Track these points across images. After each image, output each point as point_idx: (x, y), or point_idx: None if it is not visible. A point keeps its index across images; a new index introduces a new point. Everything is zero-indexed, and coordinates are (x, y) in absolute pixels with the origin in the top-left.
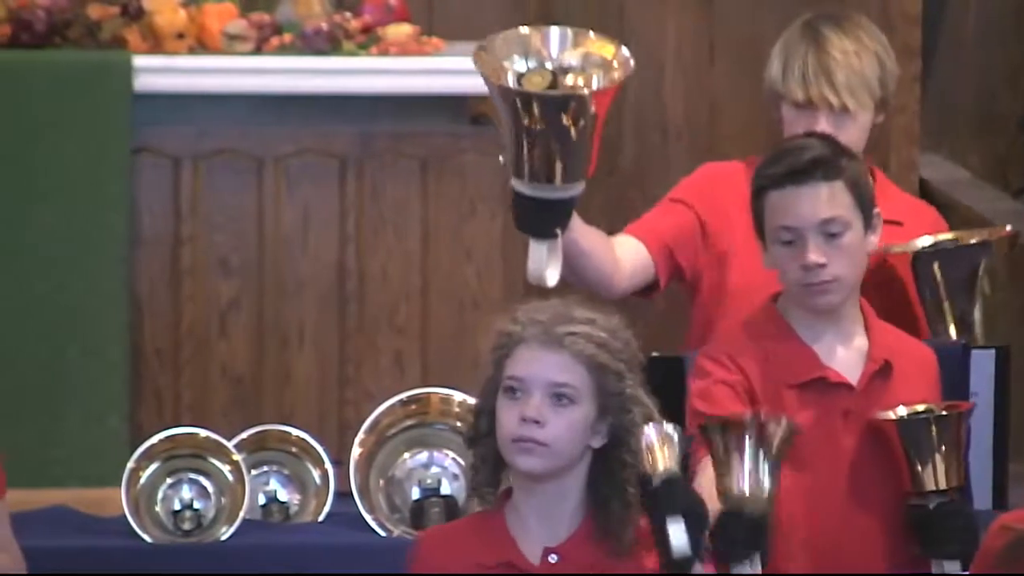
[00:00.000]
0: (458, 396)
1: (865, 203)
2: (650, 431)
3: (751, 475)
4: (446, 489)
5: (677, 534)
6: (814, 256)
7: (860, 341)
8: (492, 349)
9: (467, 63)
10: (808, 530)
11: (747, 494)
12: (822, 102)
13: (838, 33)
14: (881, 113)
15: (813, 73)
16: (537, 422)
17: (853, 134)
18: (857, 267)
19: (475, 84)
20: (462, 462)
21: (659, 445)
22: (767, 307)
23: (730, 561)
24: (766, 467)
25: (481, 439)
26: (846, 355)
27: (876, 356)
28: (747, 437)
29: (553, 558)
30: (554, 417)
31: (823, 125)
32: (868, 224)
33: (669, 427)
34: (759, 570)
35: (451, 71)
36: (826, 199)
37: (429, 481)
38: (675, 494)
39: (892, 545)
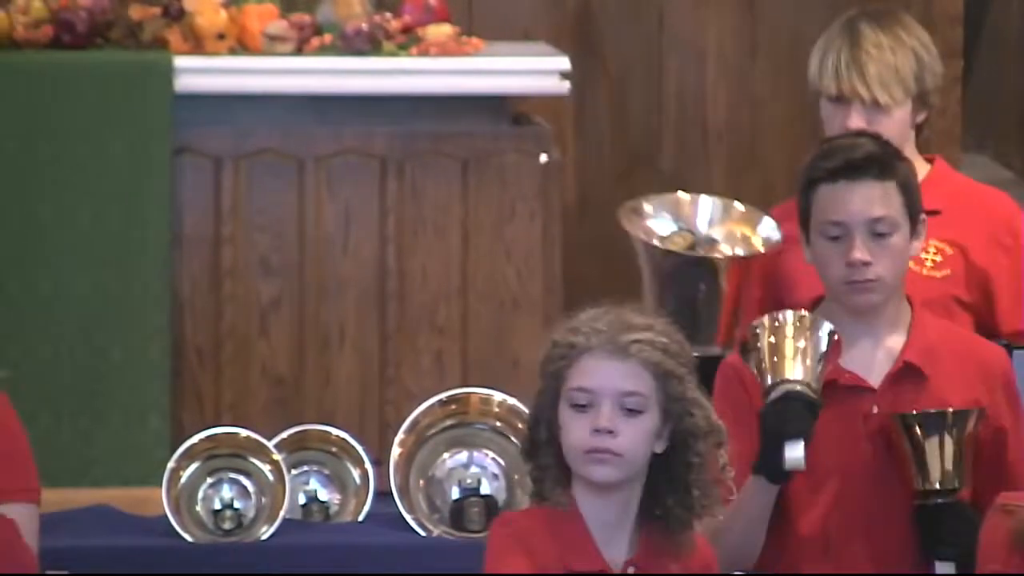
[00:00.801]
0: (498, 396)
1: (914, 207)
2: (787, 320)
3: (802, 361)
4: (486, 489)
5: (796, 450)
6: (860, 254)
7: (895, 342)
8: (549, 359)
9: (507, 63)
10: (832, 531)
11: (798, 378)
12: (854, 95)
13: (875, 29)
14: (921, 111)
15: (845, 66)
16: (610, 432)
17: (888, 129)
18: (900, 269)
19: (515, 84)
20: (502, 462)
21: (800, 348)
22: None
23: (784, 440)
24: (815, 356)
25: (541, 449)
26: (875, 357)
27: (903, 357)
28: (790, 322)
29: (631, 569)
30: (625, 426)
31: (856, 119)
32: (914, 229)
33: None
34: (802, 450)
35: (491, 71)
36: (878, 198)
37: (469, 481)
38: (799, 409)
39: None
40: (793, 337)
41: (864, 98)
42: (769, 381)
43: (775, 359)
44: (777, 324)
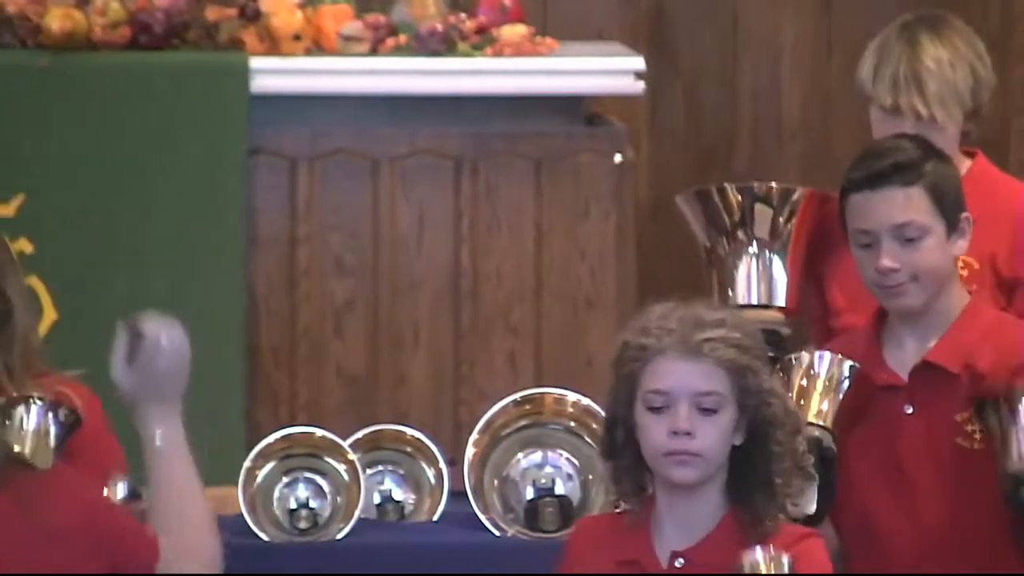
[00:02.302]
0: (572, 396)
1: (948, 208)
2: (757, 554)
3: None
4: (560, 489)
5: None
6: (886, 260)
7: (936, 342)
8: (621, 361)
9: (581, 63)
10: (875, 531)
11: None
12: (910, 110)
13: (934, 40)
14: (971, 122)
15: (904, 80)
16: (688, 434)
17: (939, 143)
18: (939, 270)
19: (590, 84)
20: (576, 462)
21: (765, 567)
22: (871, 321)
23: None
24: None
25: (618, 451)
26: (915, 358)
27: (924, 357)
28: (820, 367)
29: (680, 562)
30: (703, 426)
31: (908, 132)
32: (953, 228)
33: (778, 552)
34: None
35: (566, 71)
36: (901, 204)
37: (543, 481)
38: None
39: (979, 539)
40: (825, 375)
41: (922, 115)
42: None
43: (800, 403)
44: (807, 366)
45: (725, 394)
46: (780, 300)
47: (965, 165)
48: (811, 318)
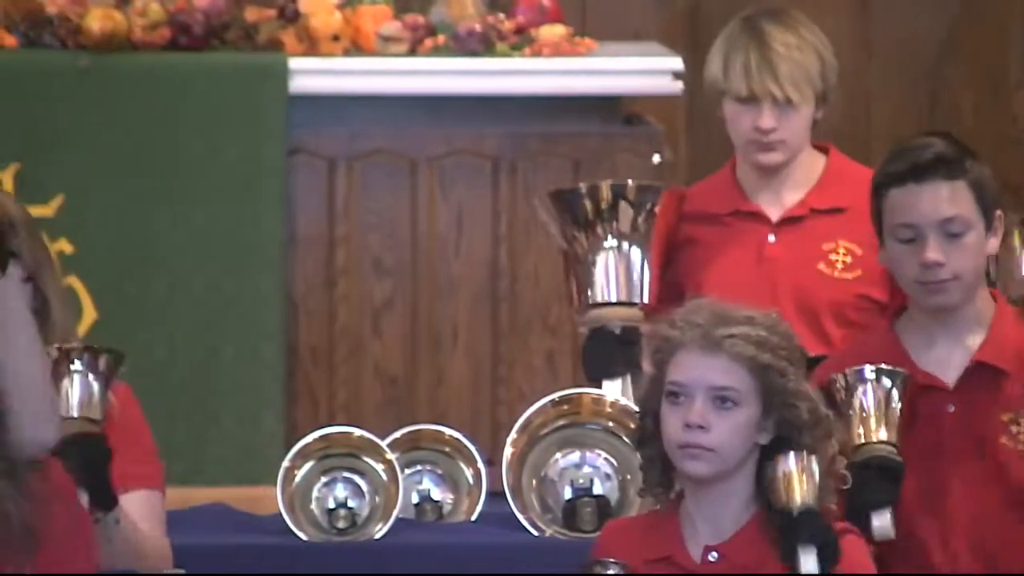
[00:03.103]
0: (610, 396)
1: (987, 204)
2: (790, 461)
3: (877, 423)
4: (598, 489)
5: (808, 564)
6: (933, 254)
7: (974, 341)
8: (651, 353)
9: (619, 63)
10: (918, 533)
11: (876, 440)
12: (765, 95)
13: (778, 28)
14: (821, 108)
15: (756, 67)
16: (701, 427)
17: (795, 127)
18: (977, 268)
19: (627, 84)
20: (615, 462)
21: (798, 475)
22: (884, 323)
23: (865, 511)
24: (892, 412)
25: (647, 441)
26: (953, 357)
27: (975, 356)
28: (868, 385)
29: (713, 556)
30: (718, 421)
31: (766, 118)
32: (990, 226)
33: (809, 458)
34: (889, 520)
35: (604, 71)
36: (948, 198)
37: (581, 481)
38: (812, 525)
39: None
40: (873, 399)
41: (777, 97)
42: (854, 440)
43: (857, 422)
44: (859, 380)
45: (743, 391)
46: (639, 297)
47: (820, 160)
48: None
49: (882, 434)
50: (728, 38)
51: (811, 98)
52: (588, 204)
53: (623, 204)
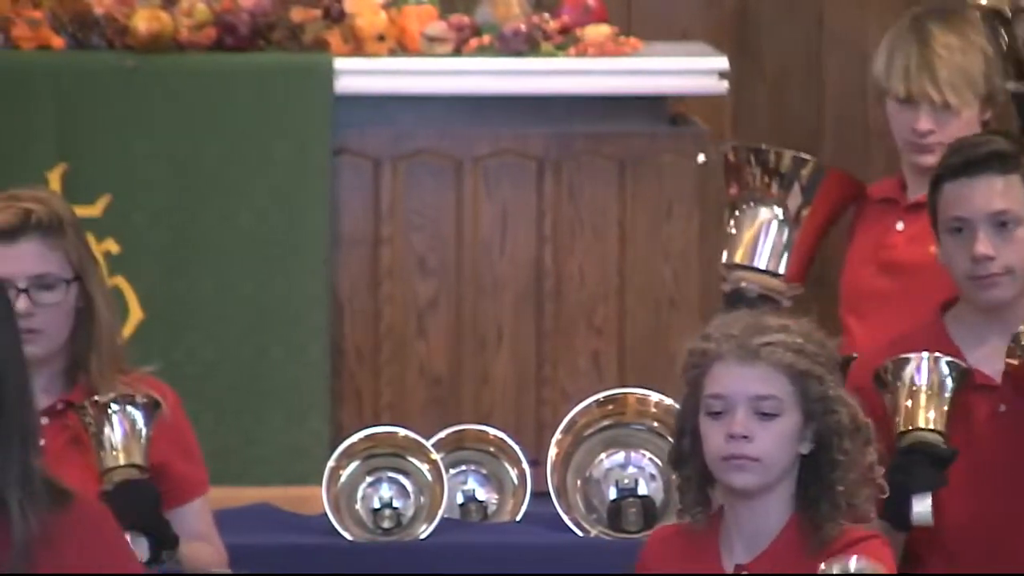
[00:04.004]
0: (655, 396)
1: None
2: (923, 370)
3: (925, 409)
4: (643, 489)
5: (924, 505)
6: (983, 248)
7: None
8: (686, 368)
9: (665, 63)
10: (971, 532)
11: (924, 425)
12: (923, 97)
13: (943, 28)
14: (988, 109)
15: (916, 68)
16: (745, 437)
17: (954, 130)
18: None
19: (673, 84)
20: (659, 462)
21: (926, 396)
22: (931, 316)
23: (907, 495)
24: (942, 398)
25: (686, 460)
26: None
27: None
28: (917, 371)
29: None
30: (761, 431)
31: (923, 121)
32: None
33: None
34: (930, 505)
35: (649, 71)
36: (1000, 191)
37: (626, 481)
38: (935, 461)
39: None
40: (927, 382)
41: (935, 100)
42: (901, 426)
43: (908, 403)
44: (913, 366)
45: (784, 399)
46: (784, 268)
47: None
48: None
49: (932, 421)
50: (894, 36)
51: (972, 101)
52: (766, 169)
53: (798, 180)
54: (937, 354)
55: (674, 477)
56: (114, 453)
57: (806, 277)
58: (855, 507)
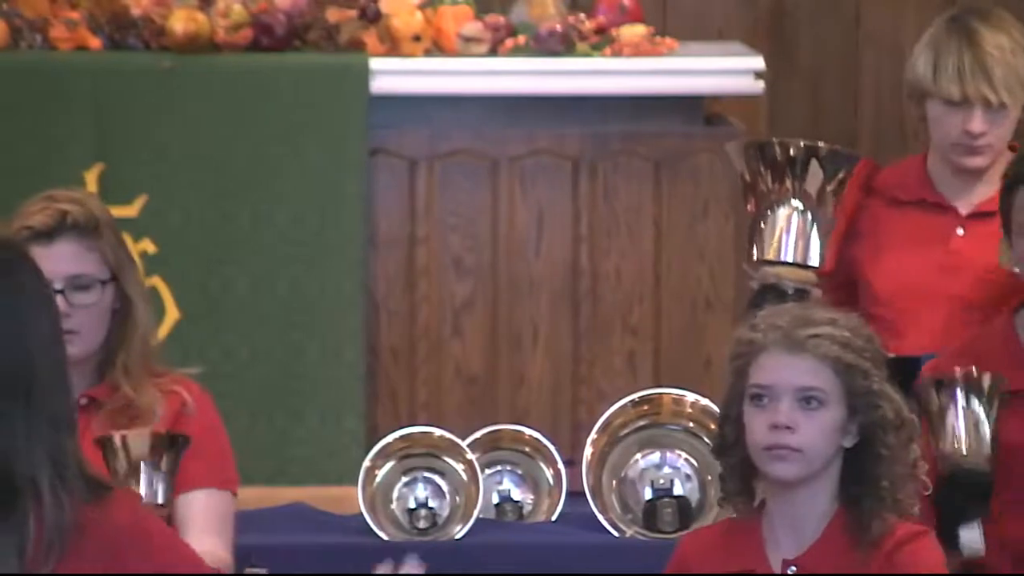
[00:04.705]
0: (690, 397)
1: None
2: (959, 405)
3: (967, 431)
4: (679, 490)
5: (972, 535)
6: None
7: None
8: (732, 357)
9: (701, 63)
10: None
11: (965, 453)
12: (978, 99)
13: (990, 29)
14: None
15: (970, 70)
16: (789, 428)
17: (1004, 130)
18: None
19: (709, 84)
20: (695, 463)
21: (966, 426)
22: (1003, 317)
23: (954, 525)
24: (981, 423)
25: (728, 448)
26: None
27: None
28: (957, 391)
29: (792, 569)
30: (805, 422)
31: (977, 122)
32: None
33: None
34: (979, 534)
35: (685, 71)
36: None
37: (662, 482)
38: (976, 490)
39: None
40: (966, 404)
41: (991, 101)
42: (943, 450)
43: (952, 427)
44: (953, 388)
45: (829, 391)
46: (814, 260)
47: (1007, 155)
48: (833, 301)
49: (973, 446)
50: (936, 39)
51: (1022, 100)
52: (779, 159)
53: (814, 166)
54: (974, 373)
55: (718, 464)
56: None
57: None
58: (899, 502)
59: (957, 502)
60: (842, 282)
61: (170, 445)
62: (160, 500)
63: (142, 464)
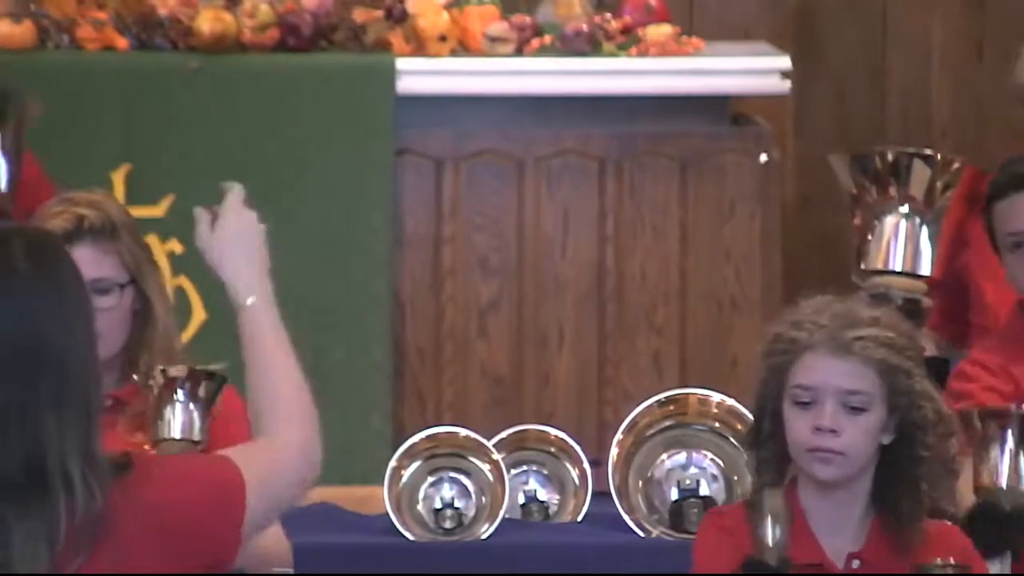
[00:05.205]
0: (716, 397)
1: None
2: (1008, 442)
3: (1010, 468)
4: (705, 490)
5: (1001, 568)
6: None
7: None
8: (771, 353)
9: (727, 63)
10: None
11: (1004, 487)
12: None
13: None
14: None
15: None
16: (833, 431)
17: None
18: None
19: (735, 84)
20: (721, 463)
21: (1011, 463)
22: None
23: (983, 557)
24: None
25: (764, 442)
26: None
27: None
28: (1009, 429)
29: (856, 563)
30: (849, 425)
31: None
32: None
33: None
34: (1008, 569)
35: (711, 71)
36: None
37: (688, 482)
38: (1010, 525)
39: None
40: (1016, 443)
41: None
42: (982, 482)
43: (980, 460)
44: (1007, 423)
45: (873, 394)
46: (924, 269)
47: None
48: (942, 309)
49: (1011, 483)
50: None
51: None
52: (883, 167)
53: (919, 173)
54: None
55: (749, 457)
56: (172, 425)
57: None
58: (935, 500)
59: (989, 534)
60: (952, 291)
61: (208, 379)
62: (197, 436)
63: (180, 399)
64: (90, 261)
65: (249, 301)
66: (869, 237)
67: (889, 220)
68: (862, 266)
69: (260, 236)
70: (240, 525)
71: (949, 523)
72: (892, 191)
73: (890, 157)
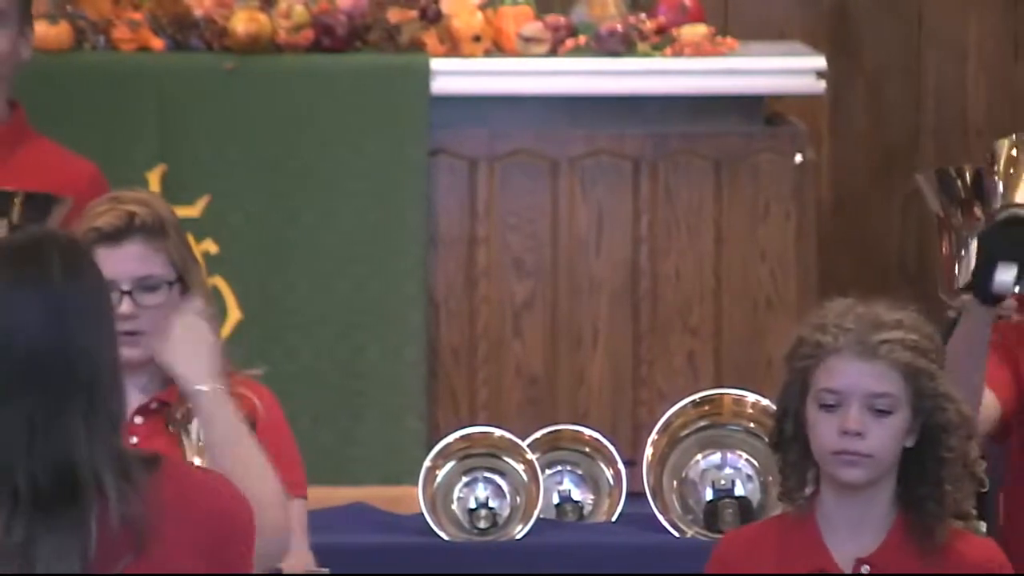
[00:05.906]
0: (751, 397)
1: None
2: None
3: None
4: (740, 490)
5: (1006, 276)
6: None
7: None
8: (795, 357)
9: (762, 63)
10: None
11: None
12: None
13: None
14: None
15: None
16: (859, 435)
17: None
18: None
19: (770, 84)
20: (756, 463)
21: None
22: None
23: (992, 262)
24: None
25: (787, 444)
26: None
27: None
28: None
29: (865, 568)
30: (875, 428)
31: None
32: None
33: None
34: (1013, 276)
35: (746, 71)
36: None
37: (723, 482)
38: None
39: None
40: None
41: None
42: (998, 202)
43: (1009, 180)
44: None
45: (899, 396)
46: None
47: None
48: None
49: None
50: None
51: None
52: (967, 184)
53: (993, 187)
54: None
55: (775, 459)
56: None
57: None
58: (957, 501)
59: (1004, 243)
60: None
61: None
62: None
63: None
64: (140, 258)
65: (196, 387)
66: (962, 254)
67: (974, 240)
68: (954, 285)
69: (209, 343)
70: (253, 547)
71: (990, 539)
72: (976, 210)
73: (978, 175)
